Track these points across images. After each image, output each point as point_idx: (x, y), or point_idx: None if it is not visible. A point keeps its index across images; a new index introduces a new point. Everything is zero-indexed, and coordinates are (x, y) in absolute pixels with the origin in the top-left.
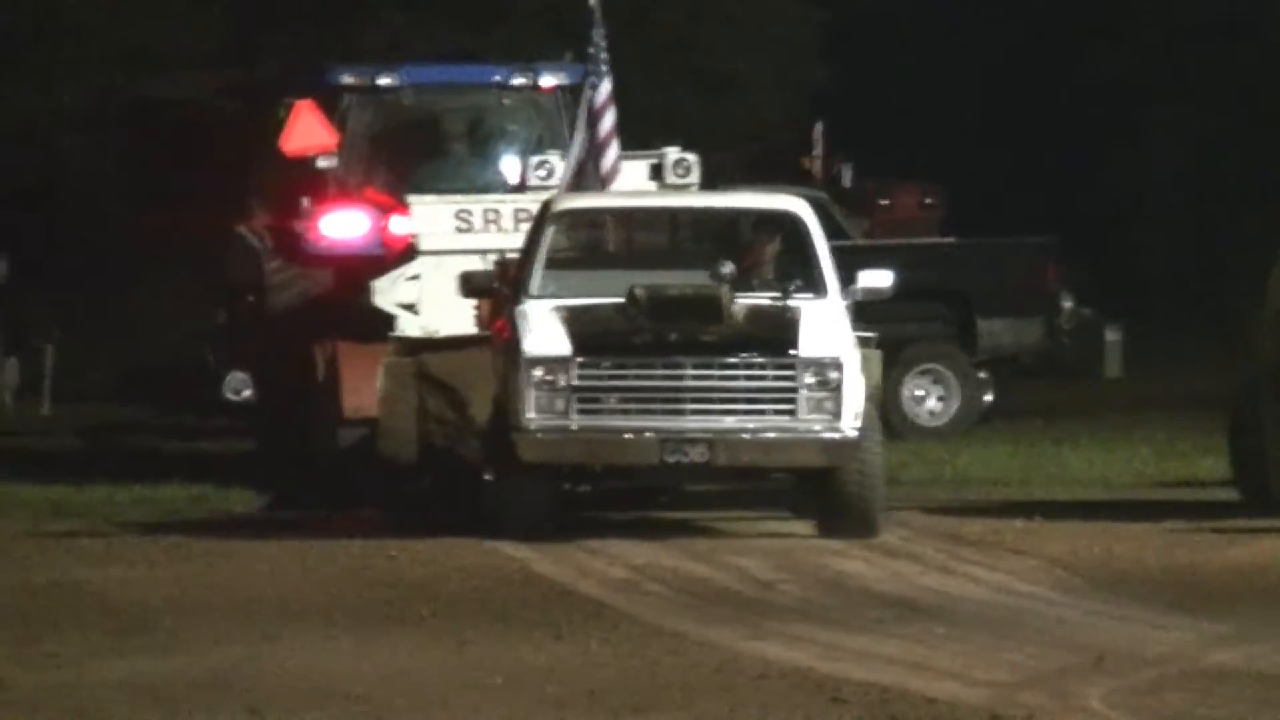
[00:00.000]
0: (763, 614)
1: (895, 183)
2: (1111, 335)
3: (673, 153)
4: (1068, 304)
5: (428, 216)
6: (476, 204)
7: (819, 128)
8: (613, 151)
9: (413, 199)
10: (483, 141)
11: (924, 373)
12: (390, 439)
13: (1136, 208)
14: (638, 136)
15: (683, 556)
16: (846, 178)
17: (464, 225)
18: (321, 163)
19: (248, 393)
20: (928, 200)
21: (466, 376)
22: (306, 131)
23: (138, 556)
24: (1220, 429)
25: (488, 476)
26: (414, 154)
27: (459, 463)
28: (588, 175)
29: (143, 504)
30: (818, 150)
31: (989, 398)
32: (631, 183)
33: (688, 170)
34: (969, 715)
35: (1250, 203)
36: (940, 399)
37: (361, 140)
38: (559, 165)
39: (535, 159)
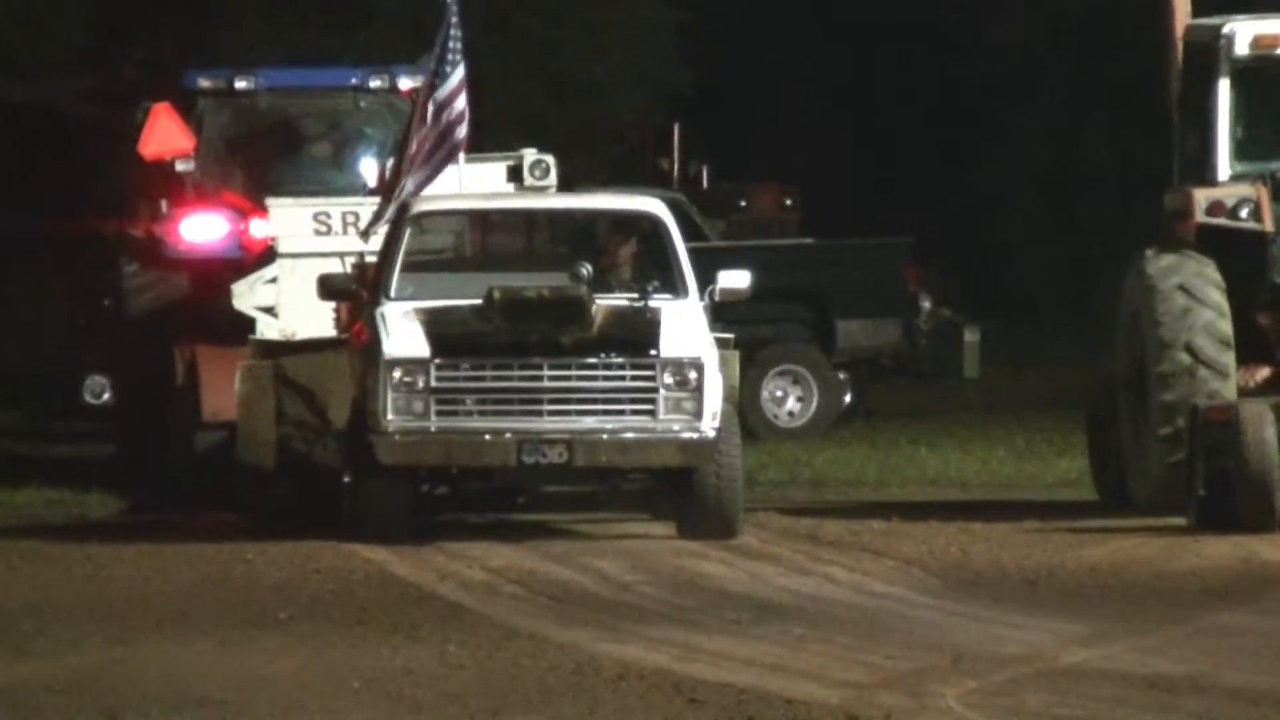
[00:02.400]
0: (620, 616)
1: (753, 184)
2: (970, 336)
3: (530, 154)
4: (926, 305)
5: (286, 219)
6: (335, 206)
7: (676, 130)
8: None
9: (271, 202)
10: (340, 144)
11: (782, 373)
12: (249, 443)
13: (1000, 208)
14: (496, 140)
15: (541, 559)
16: (704, 179)
17: (323, 228)
18: (179, 166)
19: (107, 396)
20: (786, 201)
21: (325, 379)
22: (164, 135)
23: None
24: (1078, 429)
25: (346, 479)
26: (271, 157)
27: (316, 467)
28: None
29: None
30: (675, 152)
31: (847, 398)
32: (489, 184)
33: (546, 171)
34: (826, 716)
35: (1114, 203)
36: (799, 400)
37: (218, 143)
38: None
39: (393, 161)
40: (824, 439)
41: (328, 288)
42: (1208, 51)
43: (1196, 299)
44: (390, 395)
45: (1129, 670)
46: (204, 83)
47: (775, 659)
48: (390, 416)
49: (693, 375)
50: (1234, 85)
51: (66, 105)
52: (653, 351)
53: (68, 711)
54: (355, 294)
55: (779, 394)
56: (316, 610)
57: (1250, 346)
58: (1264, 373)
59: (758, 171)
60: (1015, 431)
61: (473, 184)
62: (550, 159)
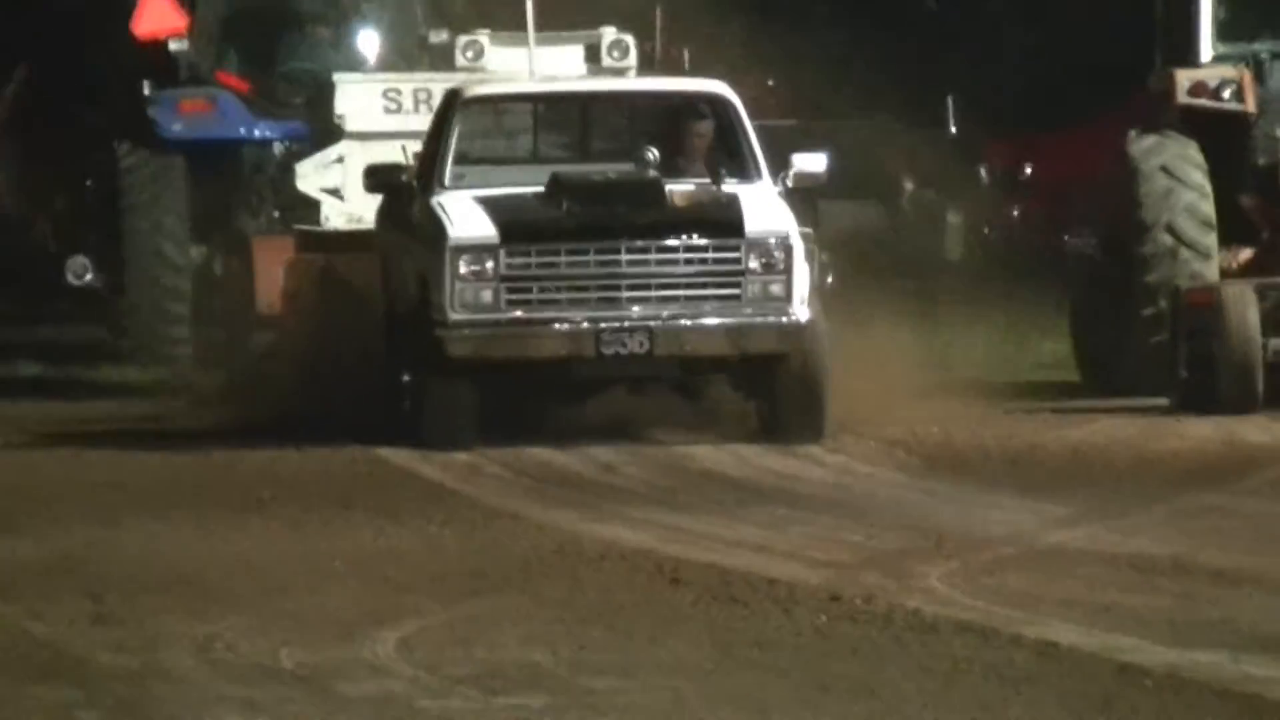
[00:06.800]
0: (603, 496)
1: (736, 68)
2: (953, 218)
3: (609, 33)
4: (909, 186)
5: (354, 96)
6: (407, 83)
7: (659, 13)
8: None
9: (338, 77)
10: (337, 23)
11: None
12: (293, 342)
13: (981, 90)
14: (491, 21)
15: (524, 441)
16: (685, 62)
17: (393, 105)
18: (173, 46)
19: (90, 277)
20: (768, 82)
21: (373, 276)
22: (157, 14)
23: None
24: (1061, 311)
25: (406, 379)
26: (266, 36)
27: (364, 367)
28: None
29: None
30: (657, 35)
31: (830, 280)
32: (564, 66)
33: (625, 52)
34: (809, 596)
35: (1097, 85)
36: None
37: (212, 23)
38: (488, 46)
39: (464, 39)
40: None
41: (374, 179)
42: None
43: (1178, 180)
44: (457, 285)
45: (1111, 550)
46: None
47: (758, 540)
48: (457, 308)
49: (780, 256)
50: None
51: None
52: (737, 232)
53: (49, 591)
54: (405, 186)
55: None
56: (299, 491)
57: (1233, 228)
58: (1246, 254)
59: (741, 56)
60: (998, 313)
61: (547, 65)
62: (629, 38)
